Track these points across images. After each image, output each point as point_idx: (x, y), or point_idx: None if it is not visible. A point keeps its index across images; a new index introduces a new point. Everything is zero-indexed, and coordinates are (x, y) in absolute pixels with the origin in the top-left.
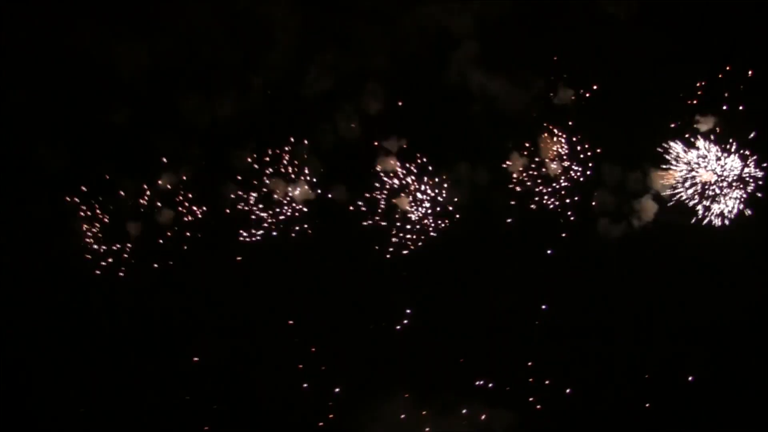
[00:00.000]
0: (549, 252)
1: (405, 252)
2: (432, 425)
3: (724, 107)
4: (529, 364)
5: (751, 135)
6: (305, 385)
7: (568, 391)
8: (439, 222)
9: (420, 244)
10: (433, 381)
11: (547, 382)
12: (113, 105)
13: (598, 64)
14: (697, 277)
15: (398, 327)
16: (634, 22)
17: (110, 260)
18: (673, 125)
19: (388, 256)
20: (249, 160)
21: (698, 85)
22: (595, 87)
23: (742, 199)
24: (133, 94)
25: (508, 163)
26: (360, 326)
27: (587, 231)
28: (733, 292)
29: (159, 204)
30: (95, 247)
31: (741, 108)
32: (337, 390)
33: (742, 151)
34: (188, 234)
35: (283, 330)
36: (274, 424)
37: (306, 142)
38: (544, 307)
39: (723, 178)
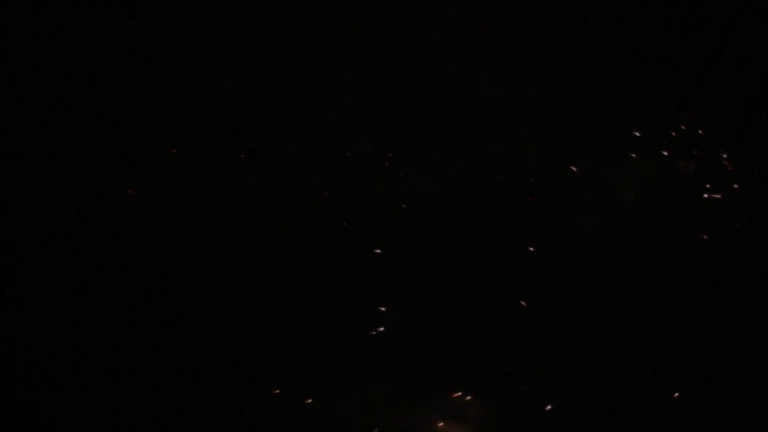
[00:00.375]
0: (531, 249)
1: (378, 251)
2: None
3: (714, 105)
4: (508, 370)
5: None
6: (276, 390)
7: (548, 407)
8: (417, 213)
9: (397, 235)
10: (412, 385)
11: (525, 388)
12: (87, 87)
13: (578, 55)
14: (685, 274)
15: (373, 332)
16: (618, 18)
17: (79, 244)
18: (654, 118)
19: (363, 248)
20: (223, 144)
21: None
22: (574, 79)
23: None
24: (108, 76)
25: (486, 154)
26: (334, 326)
27: (566, 225)
28: (725, 289)
29: (130, 192)
30: (65, 229)
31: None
32: (309, 401)
33: (730, 142)
34: (161, 220)
35: (253, 327)
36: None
37: (282, 127)
38: (523, 303)
39: (707, 169)
